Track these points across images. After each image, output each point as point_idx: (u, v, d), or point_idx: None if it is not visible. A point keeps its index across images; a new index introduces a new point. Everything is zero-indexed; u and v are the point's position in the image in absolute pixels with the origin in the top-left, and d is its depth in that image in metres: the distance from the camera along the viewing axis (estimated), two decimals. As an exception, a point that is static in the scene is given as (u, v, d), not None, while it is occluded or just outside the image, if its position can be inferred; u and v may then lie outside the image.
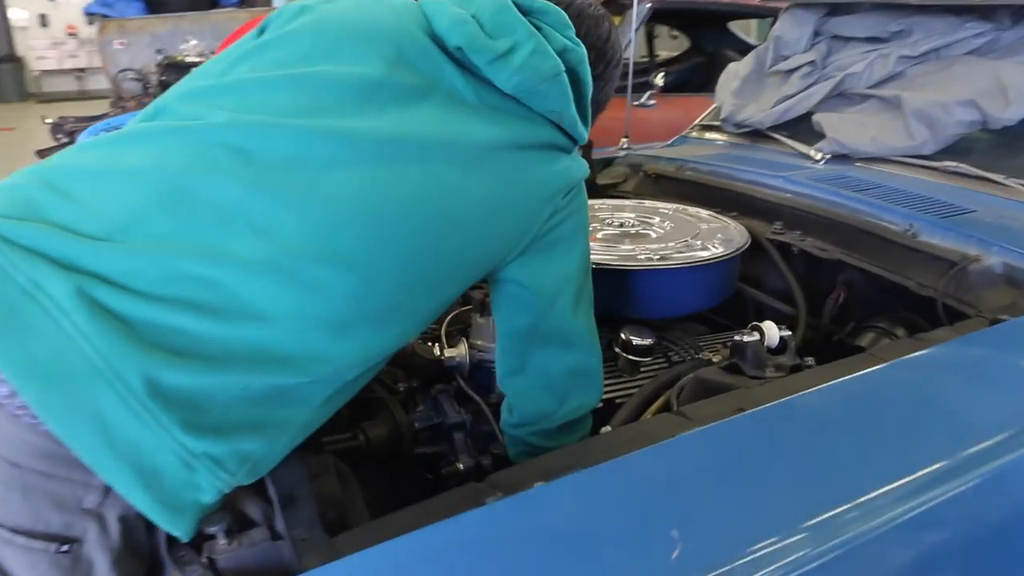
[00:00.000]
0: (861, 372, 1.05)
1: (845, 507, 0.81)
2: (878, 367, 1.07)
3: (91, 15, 8.90)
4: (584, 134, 1.06)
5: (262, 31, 1.01)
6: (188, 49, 6.77)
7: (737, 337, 1.13)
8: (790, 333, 1.16)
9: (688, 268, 1.38)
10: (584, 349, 1.11)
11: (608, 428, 1.18)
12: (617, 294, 1.41)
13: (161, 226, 0.81)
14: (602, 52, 1.15)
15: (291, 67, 0.92)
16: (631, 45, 2.87)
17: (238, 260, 0.81)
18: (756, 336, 1.13)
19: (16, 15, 11.50)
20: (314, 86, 0.90)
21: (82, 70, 11.56)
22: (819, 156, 1.94)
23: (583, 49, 1.03)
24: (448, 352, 1.44)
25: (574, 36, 1.03)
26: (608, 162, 2.38)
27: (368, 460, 1.51)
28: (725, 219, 1.68)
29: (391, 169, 0.88)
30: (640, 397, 1.23)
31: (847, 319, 1.55)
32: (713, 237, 1.53)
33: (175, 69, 5.70)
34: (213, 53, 5.72)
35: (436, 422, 1.43)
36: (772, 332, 1.14)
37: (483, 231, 0.94)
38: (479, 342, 1.43)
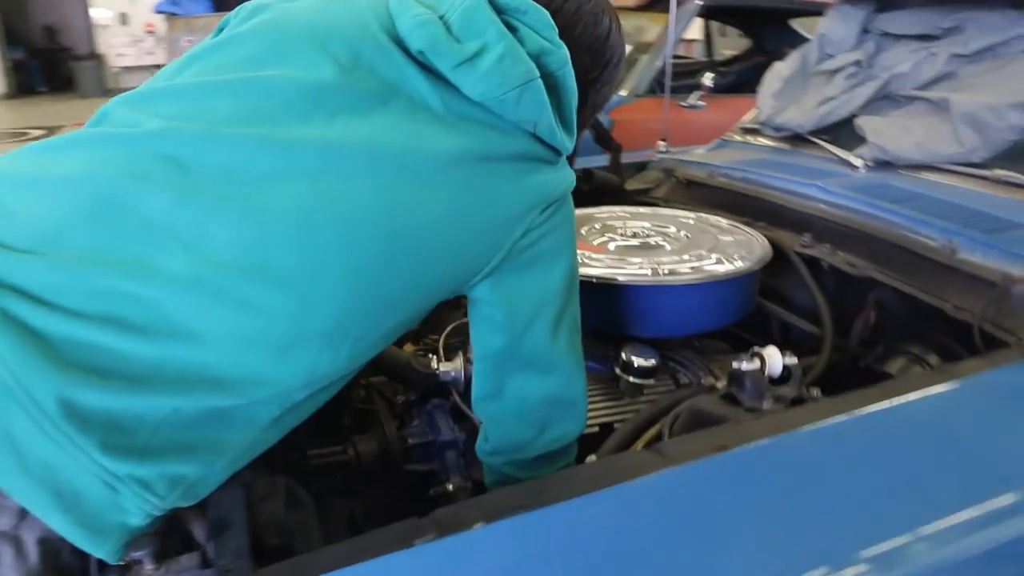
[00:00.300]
0: (870, 408, 0.94)
1: (823, 572, 0.72)
2: (890, 402, 0.96)
3: (161, 13, 9.19)
4: (567, 144, 0.97)
5: (220, 30, 0.96)
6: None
7: (736, 364, 1.04)
8: (795, 361, 1.06)
9: (696, 285, 1.29)
10: (565, 376, 1.03)
11: (593, 457, 1.10)
12: (620, 311, 1.32)
13: (86, 238, 0.76)
14: (600, 53, 1.07)
15: (237, 71, 0.86)
16: (671, 44, 2.77)
17: (165, 276, 0.76)
18: (756, 364, 1.03)
19: (99, 14, 11.94)
20: (257, 92, 0.85)
21: (158, 66, 11.88)
22: (860, 163, 1.80)
23: (564, 52, 0.95)
24: (443, 366, 1.37)
25: (556, 37, 0.95)
26: (642, 166, 2.28)
27: (358, 475, 1.47)
28: (748, 230, 1.57)
29: (334, 182, 0.81)
30: (633, 425, 1.15)
31: (878, 342, 1.43)
32: (732, 250, 1.43)
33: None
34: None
35: (429, 439, 1.37)
36: (774, 359, 1.04)
37: (440, 250, 0.87)
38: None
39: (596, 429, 1.26)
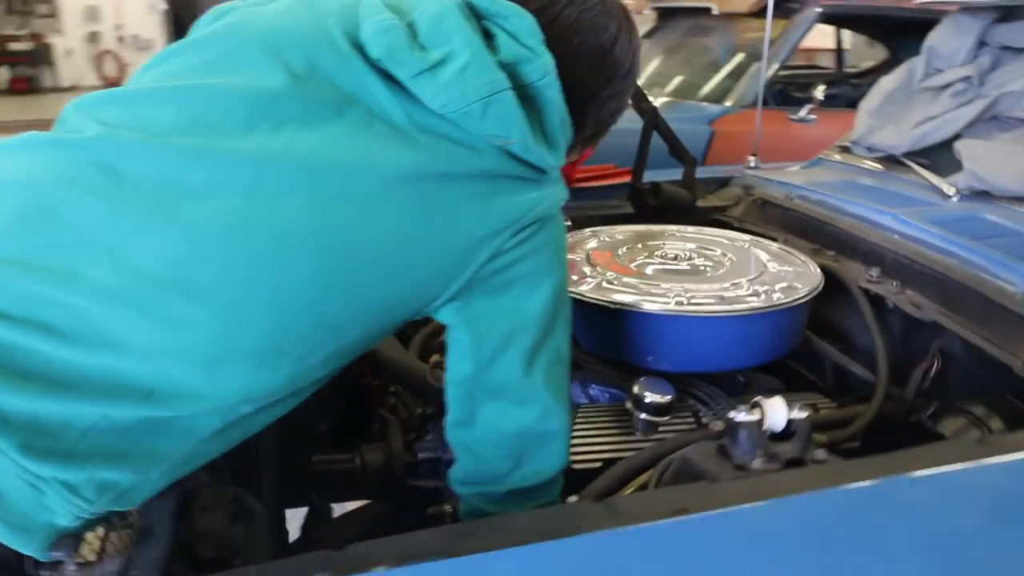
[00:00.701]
0: (885, 479, 0.82)
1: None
2: (916, 474, 0.83)
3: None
4: (549, 161, 0.89)
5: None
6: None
7: (733, 413, 0.93)
8: (805, 415, 0.94)
9: (719, 319, 1.17)
10: (541, 409, 0.95)
11: (575, 498, 1.02)
12: (640, 340, 1.23)
13: (18, 243, 0.76)
14: (602, 65, 0.98)
15: (189, 77, 0.84)
16: (766, 53, 2.60)
17: (92, 285, 0.74)
18: (755, 415, 0.92)
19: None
20: (201, 100, 0.81)
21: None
22: (952, 191, 1.61)
23: (546, 60, 0.87)
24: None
25: (539, 44, 0.88)
26: (724, 182, 2.15)
27: (364, 486, 1.44)
28: (804, 259, 1.43)
29: (266, 198, 0.77)
30: (624, 468, 1.06)
31: (939, 395, 1.26)
32: (777, 281, 1.30)
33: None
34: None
35: (437, 455, 1.33)
36: (776, 412, 0.92)
37: (384, 273, 0.82)
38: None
39: (599, 464, 1.17)
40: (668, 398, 1.17)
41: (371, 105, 0.83)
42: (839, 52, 4.88)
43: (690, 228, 1.63)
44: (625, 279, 1.30)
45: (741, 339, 1.22)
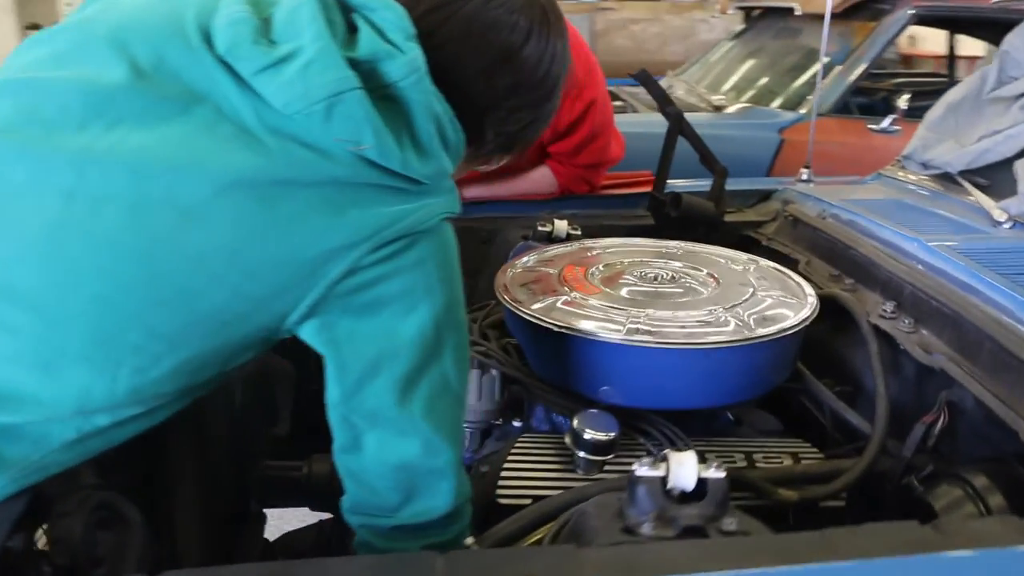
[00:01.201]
0: (782, 569, 0.68)
1: None
2: (824, 565, 0.68)
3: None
4: (422, 169, 0.79)
5: None
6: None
7: (635, 466, 0.80)
8: (723, 475, 0.79)
9: (670, 351, 1.04)
10: (422, 444, 0.85)
11: (471, 540, 0.92)
12: (588, 370, 1.11)
13: None
14: (503, 69, 0.87)
15: (35, 70, 0.79)
16: (823, 55, 2.38)
17: None
18: (659, 471, 0.79)
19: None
20: (39, 95, 0.76)
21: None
22: (1004, 217, 1.40)
23: (411, 58, 0.78)
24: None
25: (407, 40, 0.78)
26: (766, 195, 1.97)
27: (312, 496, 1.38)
28: (805, 286, 1.27)
29: (87, 201, 0.72)
30: (535, 512, 0.94)
31: (944, 454, 1.08)
32: (761, 310, 1.15)
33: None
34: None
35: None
36: (684, 470, 0.78)
37: (215, 284, 0.74)
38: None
39: (529, 501, 1.06)
40: (610, 436, 1.05)
41: (220, 103, 0.76)
42: (951, 59, 4.49)
43: (693, 246, 1.48)
44: (589, 299, 1.18)
45: (701, 375, 1.07)
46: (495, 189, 1.90)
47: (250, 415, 1.31)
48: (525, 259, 1.38)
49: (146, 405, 0.80)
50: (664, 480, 0.79)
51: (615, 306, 1.15)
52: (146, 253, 0.72)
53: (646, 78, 1.69)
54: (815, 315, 1.15)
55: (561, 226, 1.64)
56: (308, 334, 0.81)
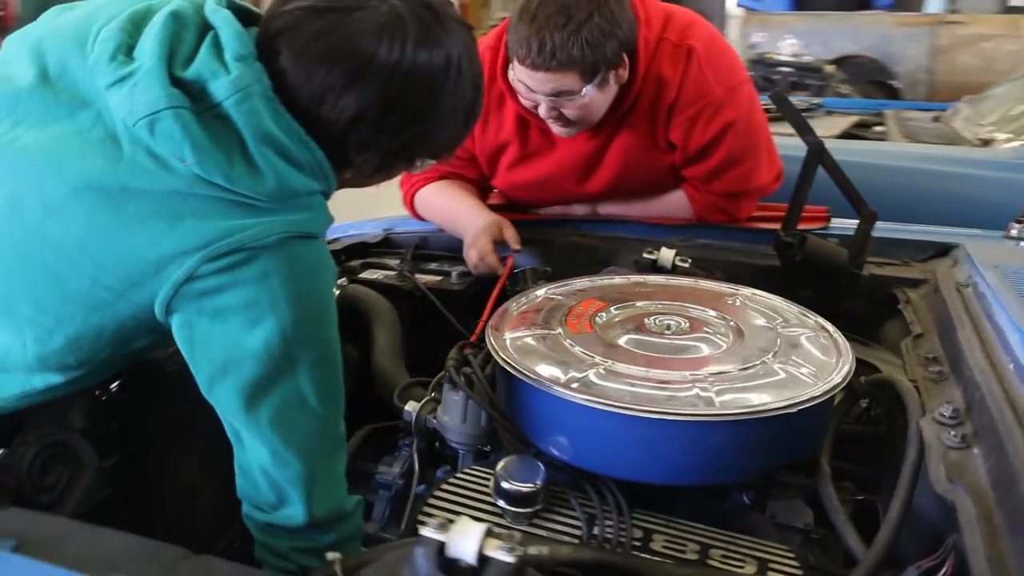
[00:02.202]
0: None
1: None
2: None
3: (742, 7, 9.35)
4: (253, 187, 0.82)
5: None
6: (783, 47, 6.65)
7: (421, 527, 0.74)
8: (510, 560, 0.70)
9: (629, 417, 0.91)
10: (272, 452, 0.89)
11: (336, 555, 0.91)
12: (527, 416, 1.04)
13: None
14: (356, 85, 0.85)
15: None
16: None
17: None
18: (441, 536, 0.72)
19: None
20: None
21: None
22: None
23: (233, 78, 0.81)
24: (408, 404, 1.26)
25: (235, 60, 0.82)
26: (945, 250, 1.61)
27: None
28: (842, 348, 1.05)
29: None
30: (385, 549, 0.91)
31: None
32: (775, 380, 0.98)
33: (762, 65, 5.73)
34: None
35: (371, 471, 1.28)
36: (463, 539, 0.70)
37: (75, 270, 0.84)
38: (444, 416, 1.20)
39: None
40: (531, 488, 0.97)
41: (102, 110, 0.85)
42: None
43: (765, 296, 1.28)
44: (565, 340, 1.09)
45: (642, 446, 0.94)
46: (631, 209, 1.81)
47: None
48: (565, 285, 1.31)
49: (64, 374, 0.93)
50: (440, 548, 0.72)
51: (586, 351, 1.05)
52: (21, 241, 0.85)
53: (781, 99, 1.49)
54: (795, 408, 0.93)
55: (667, 255, 1.52)
56: (174, 329, 0.88)
